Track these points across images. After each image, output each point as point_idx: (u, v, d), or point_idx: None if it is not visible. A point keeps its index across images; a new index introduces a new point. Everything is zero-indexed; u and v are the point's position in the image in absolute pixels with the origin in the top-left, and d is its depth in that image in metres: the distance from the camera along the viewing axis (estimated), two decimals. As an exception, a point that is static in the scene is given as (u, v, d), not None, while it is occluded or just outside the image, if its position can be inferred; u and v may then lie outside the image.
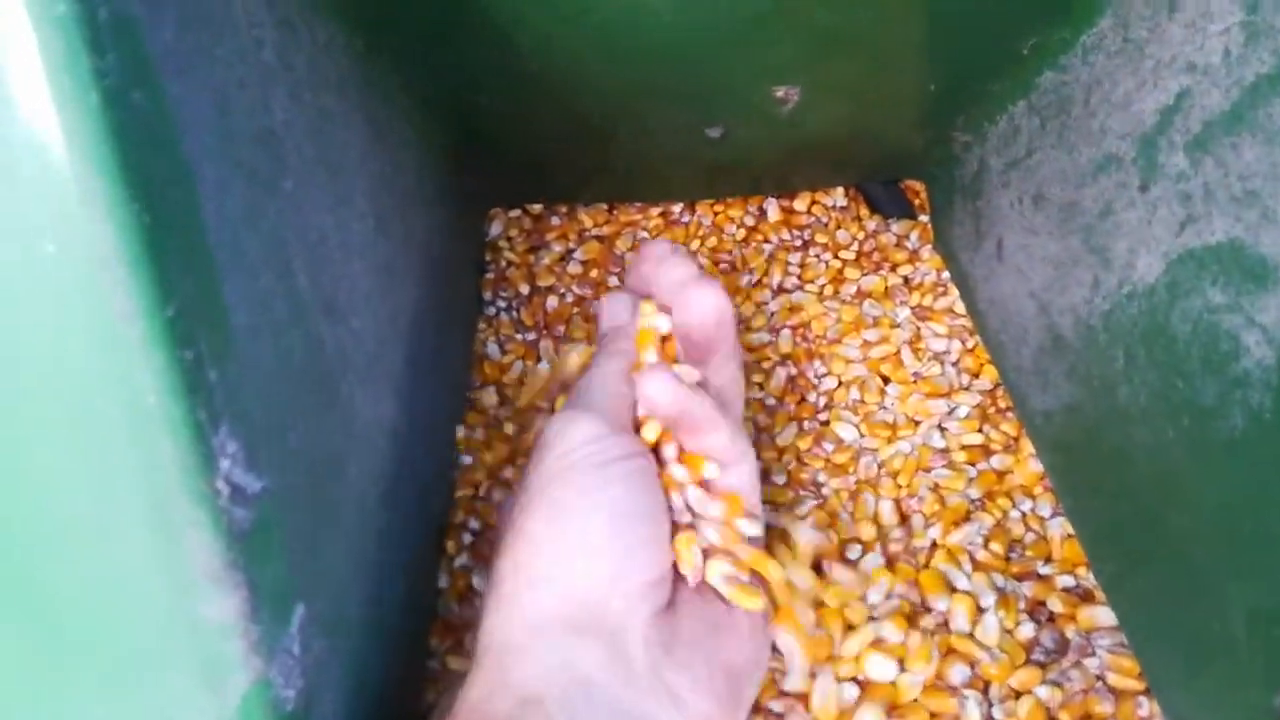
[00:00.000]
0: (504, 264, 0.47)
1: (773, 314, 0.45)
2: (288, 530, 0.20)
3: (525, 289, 0.46)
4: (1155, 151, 0.28)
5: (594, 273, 0.47)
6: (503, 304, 0.46)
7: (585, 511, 0.25)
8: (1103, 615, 0.32)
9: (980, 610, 0.33)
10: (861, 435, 0.40)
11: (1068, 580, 0.34)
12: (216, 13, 0.20)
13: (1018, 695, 0.31)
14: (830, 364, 0.43)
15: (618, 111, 0.38)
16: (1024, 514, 0.36)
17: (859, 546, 0.36)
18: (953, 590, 0.33)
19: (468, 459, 0.38)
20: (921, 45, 0.35)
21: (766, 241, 0.49)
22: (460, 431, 0.39)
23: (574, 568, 0.24)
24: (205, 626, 0.17)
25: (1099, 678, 0.31)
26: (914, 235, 0.50)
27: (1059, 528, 0.35)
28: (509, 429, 0.40)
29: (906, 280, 0.48)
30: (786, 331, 0.44)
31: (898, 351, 0.43)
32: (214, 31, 0.19)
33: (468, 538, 0.36)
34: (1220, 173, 0.25)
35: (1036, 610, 0.33)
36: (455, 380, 0.39)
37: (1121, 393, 0.30)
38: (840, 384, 0.42)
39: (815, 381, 0.42)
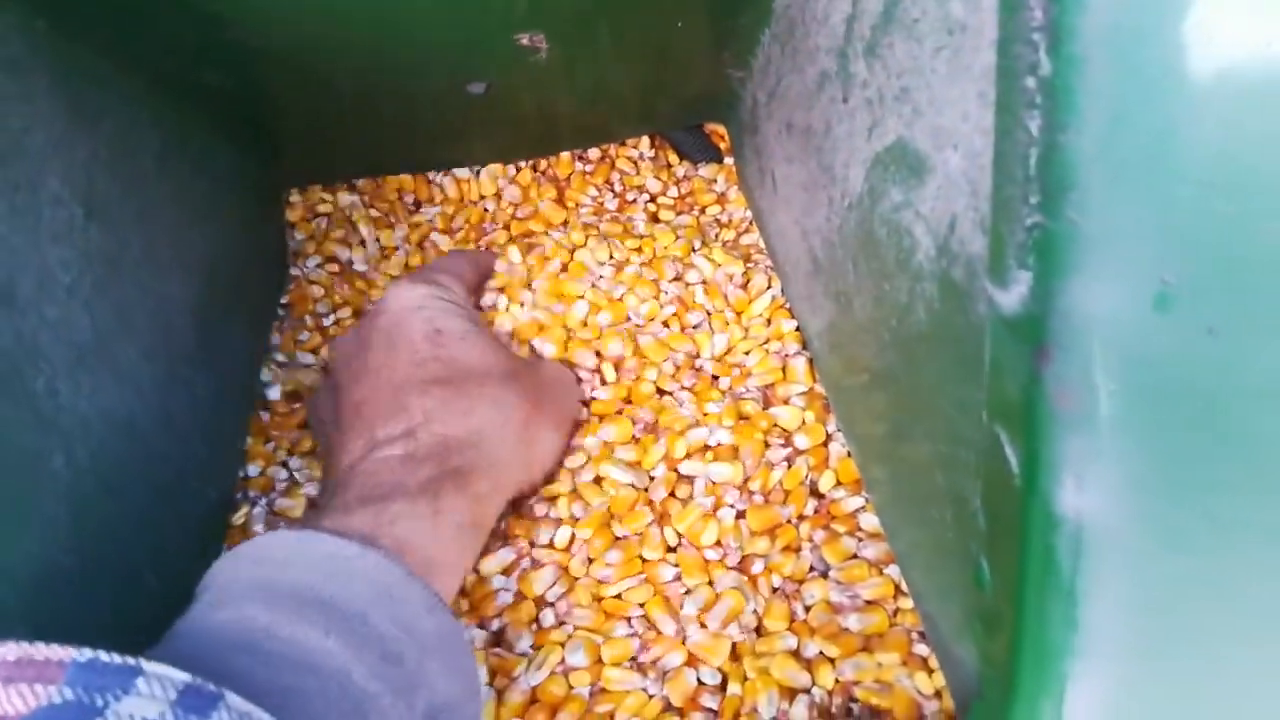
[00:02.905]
0: (304, 247, 0.46)
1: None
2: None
3: (323, 271, 0.45)
4: (847, 61, 0.28)
5: (390, 249, 0.46)
6: (309, 285, 0.45)
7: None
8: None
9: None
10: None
11: (844, 497, 0.34)
12: None
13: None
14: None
15: (374, 79, 0.38)
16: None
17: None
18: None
19: (255, 448, 0.38)
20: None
21: (573, 203, 0.48)
22: (264, 418, 0.39)
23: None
24: None
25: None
26: (721, 178, 0.50)
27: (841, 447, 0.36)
28: (304, 417, 0.39)
29: (717, 221, 0.48)
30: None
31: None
32: None
33: (252, 524, 0.35)
34: (885, 74, 0.25)
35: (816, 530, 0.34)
36: (237, 370, 0.38)
37: (856, 304, 0.31)
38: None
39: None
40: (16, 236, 0.25)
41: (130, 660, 0.18)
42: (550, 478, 0.35)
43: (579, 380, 0.38)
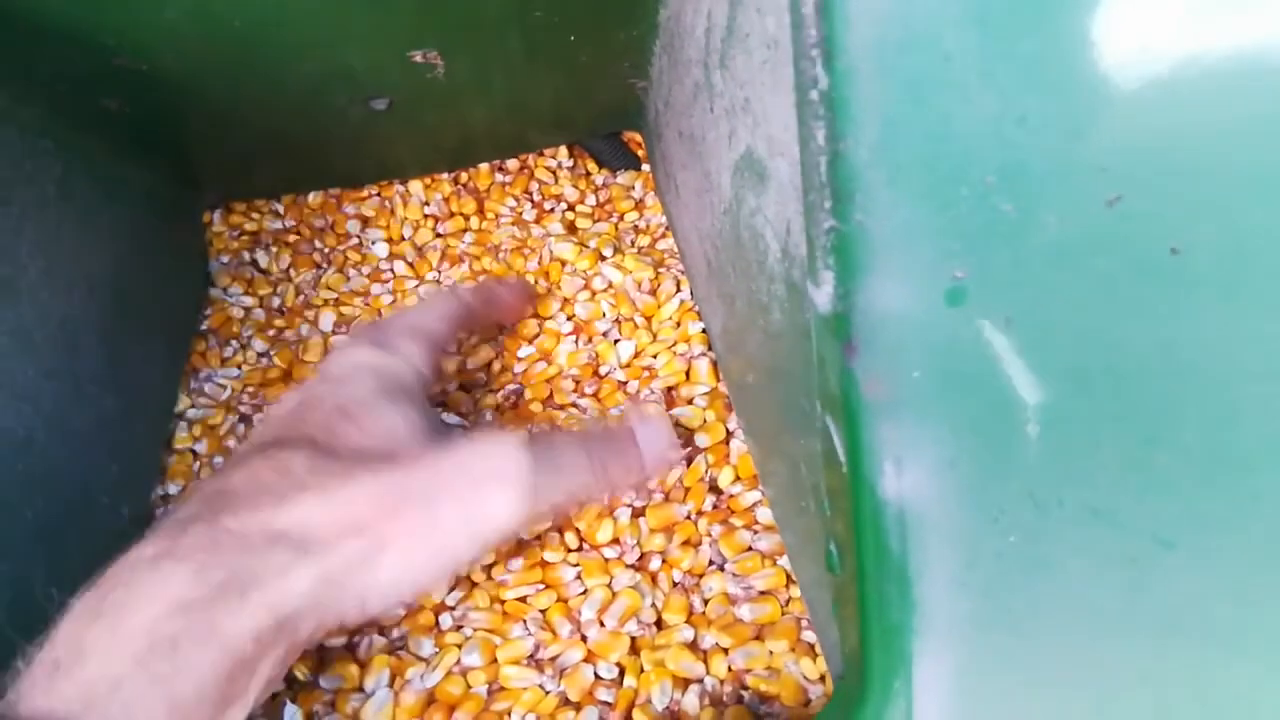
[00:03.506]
0: (224, 268, 0.47)
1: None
2: None
3: (243, 290, 0.46)
4: (709, 72, 0.29)
5: (310, 267, 0.47)
6: (229, 306, 0.46)
7: None
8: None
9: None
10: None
11: (742, 491, 0.35)
12: None
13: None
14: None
15: (277, 98, 0.39)
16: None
17: None
18: None
19: (177, 467, 0.39)
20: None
21: (492, 214, 0.49)
22: (180, 434, 0.39)
23: None
24: None
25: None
26: (638, 184, 0.51)
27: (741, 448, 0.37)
28: (229, 441, 0.40)
29: (635, 227, 0.49)
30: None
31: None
32: None
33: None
34: (734, 85, 0.26)
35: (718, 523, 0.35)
36: (152, 388, 0.39)
37: (738, 304, 0.32)
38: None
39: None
40: (-103, 266, 0.26)
41: None
42: (382, 617, 0.30)
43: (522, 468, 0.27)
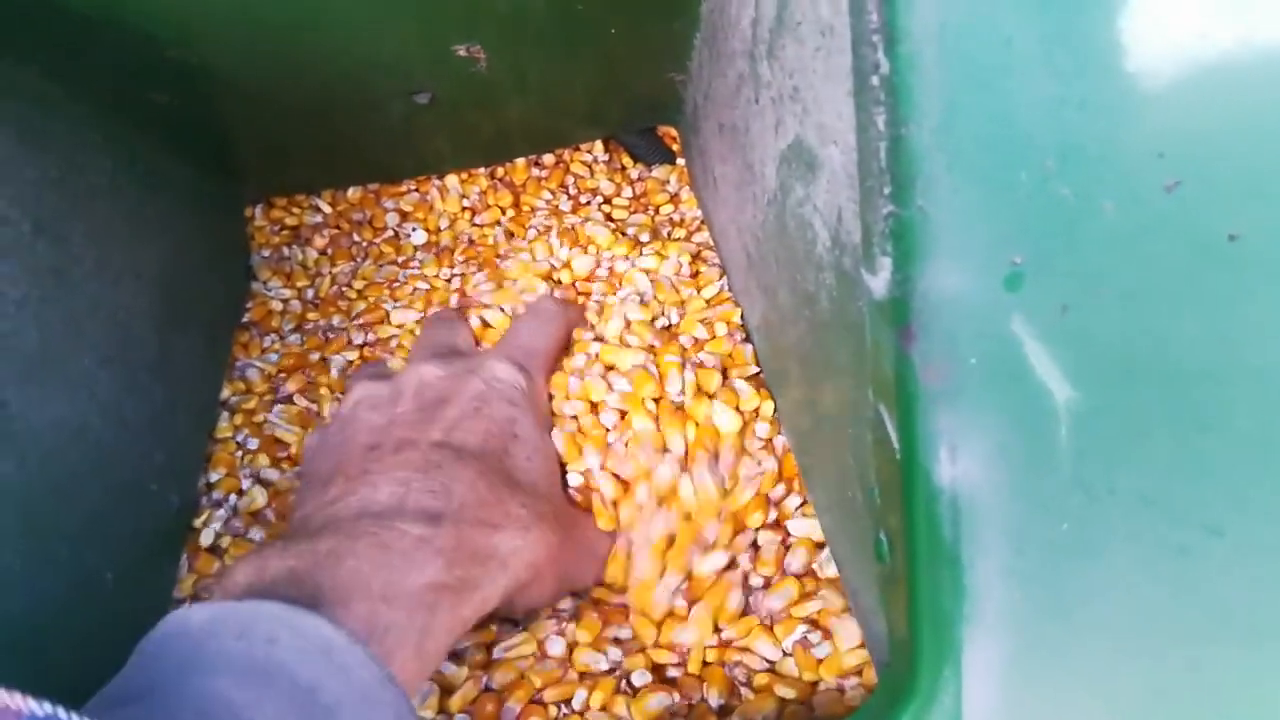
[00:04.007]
0: (265, 262, 0.47)
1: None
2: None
3: (283, 284, 0.46)
4: (756, 63, 0.29)
5: (348, 260, 0.48)
6: (270, 299, 0.46)
7: None
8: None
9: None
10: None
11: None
12: None
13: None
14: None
15: (321, 92, 0.39)
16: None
17: None
18: None
19: (220, 455, 0.39)
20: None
21: (529, 207, 0.50)
22: (222, 424, 0.40)
23: None
24: None
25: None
26: (673, 178, 0.51)
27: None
28: (268, 430, 0.41)
29: (670, 220, 0.49)
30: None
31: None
32: None
33: (208, 537, 0.37)
34: (783, 74, 0.26)
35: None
36: (197, 378, 0.39)
37: (780, 295, 0.32)
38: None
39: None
40: (-38, 255, 0.26)
41: None
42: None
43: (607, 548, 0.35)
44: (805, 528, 0.34)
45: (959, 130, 0.18)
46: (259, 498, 0.38)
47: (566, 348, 0.39)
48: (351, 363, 0.43)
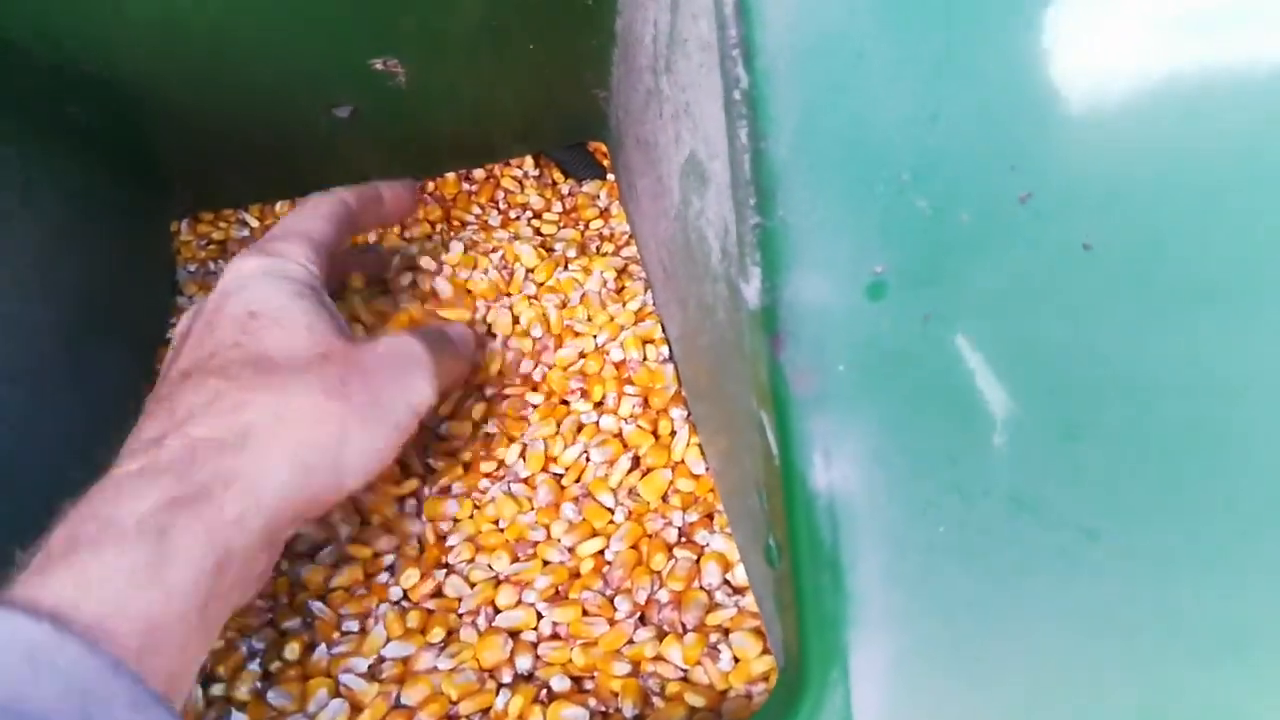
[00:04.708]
0: (195, 273, 0.47)
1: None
2: None
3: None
4: (658, 78, 0.30)
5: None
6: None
7: None
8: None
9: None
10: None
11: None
12: None
13: None
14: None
15: (241, 107, 0.39)
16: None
17: None
18: None
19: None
20: (509, 10, 0.37)
21: (458, 221, 0.50)
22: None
23: None
24: None
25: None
26: (603, 193, 0.52)
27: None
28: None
29: (600, 235, 0.50)
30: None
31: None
32: None
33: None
34: (678, 90, 0.27)
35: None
36: (119, 393, 0.39)
37: (690, 308, 0.32)
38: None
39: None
40: None
41: None
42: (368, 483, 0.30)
43: (431, 354, 0.32)
44: (720, 543, 0.34)
45: (816, 143, 0.18)
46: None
47: (351, 227, 0.37)
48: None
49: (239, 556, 0.24)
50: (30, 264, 0.35)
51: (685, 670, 0.32)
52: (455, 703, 0.32)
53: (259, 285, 0.30)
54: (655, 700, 0.32)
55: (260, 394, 0.26)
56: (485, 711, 0.32)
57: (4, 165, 0.35)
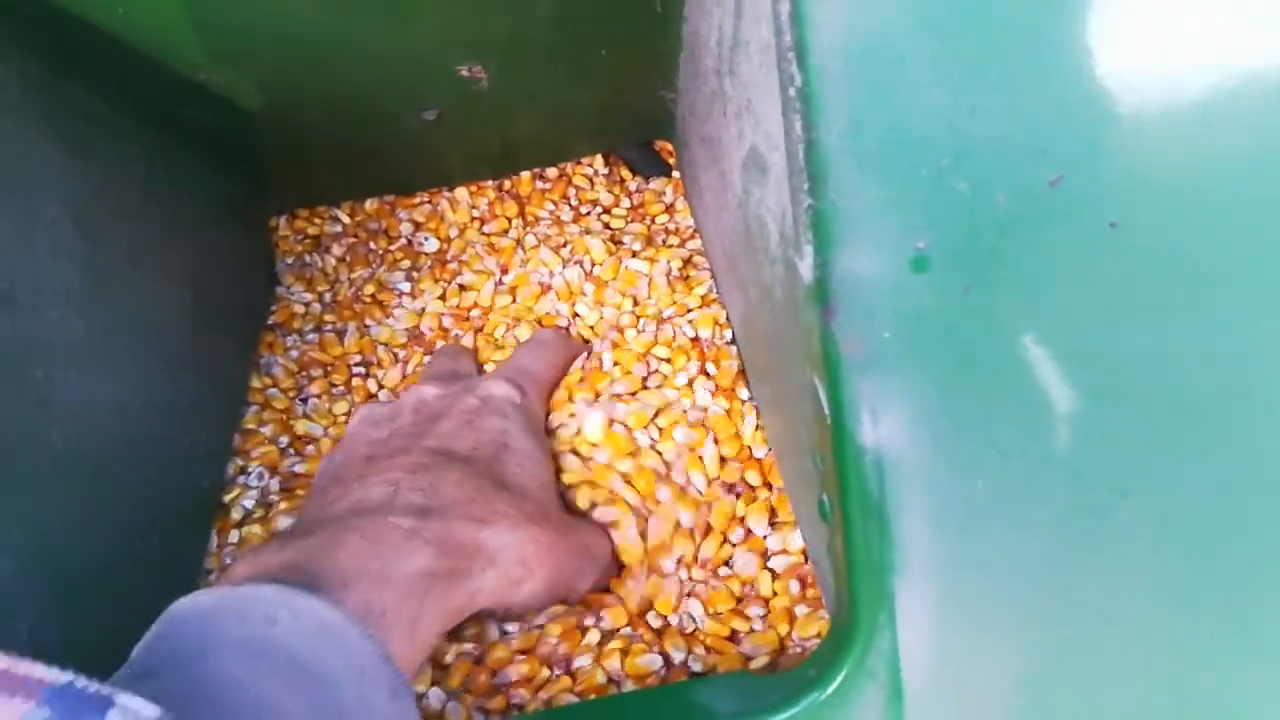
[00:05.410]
0: (292, 265, 0.51)
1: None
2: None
3: (304, 289, 0.50)
4: (721, 79, 0.33)
5: (364, 266, 0.51)
6: (293, 299, 0.50)
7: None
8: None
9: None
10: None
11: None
12: None
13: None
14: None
15: (339, 109, 0.43)
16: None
17: None
18: None
19: (249, 443, 0.43)
20: (584, 20, 0.40)
21: (533, 217, 0.53)
22: (249, 416, 0.44)
23: None
24: None
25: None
26: (669, 190, 0.55)
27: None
28: (291, 423, 0.44)
29: (665, 229, 0.52)
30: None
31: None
32: None
33: (236, 514, 0.40)
34: (740, 89, 0.30)
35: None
36: (226, 372, 0.43)
37: (750, 292, 0.35)
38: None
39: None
40: (17, 252, 0.30)
41: (104, 690, 0.19)
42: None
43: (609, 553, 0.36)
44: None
45: (864, 133, 0.21)
46: (280, 484, 0.42)
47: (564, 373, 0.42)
48: (366, 363, 0.47)
49: (449, 627, 0.30)
50: (153, 251, 0.39)
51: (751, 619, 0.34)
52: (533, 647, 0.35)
53: (514, 418, 0.36)
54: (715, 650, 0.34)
55: (501, 523, 0.31)
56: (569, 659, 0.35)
57: (132, 162, 0.39)
